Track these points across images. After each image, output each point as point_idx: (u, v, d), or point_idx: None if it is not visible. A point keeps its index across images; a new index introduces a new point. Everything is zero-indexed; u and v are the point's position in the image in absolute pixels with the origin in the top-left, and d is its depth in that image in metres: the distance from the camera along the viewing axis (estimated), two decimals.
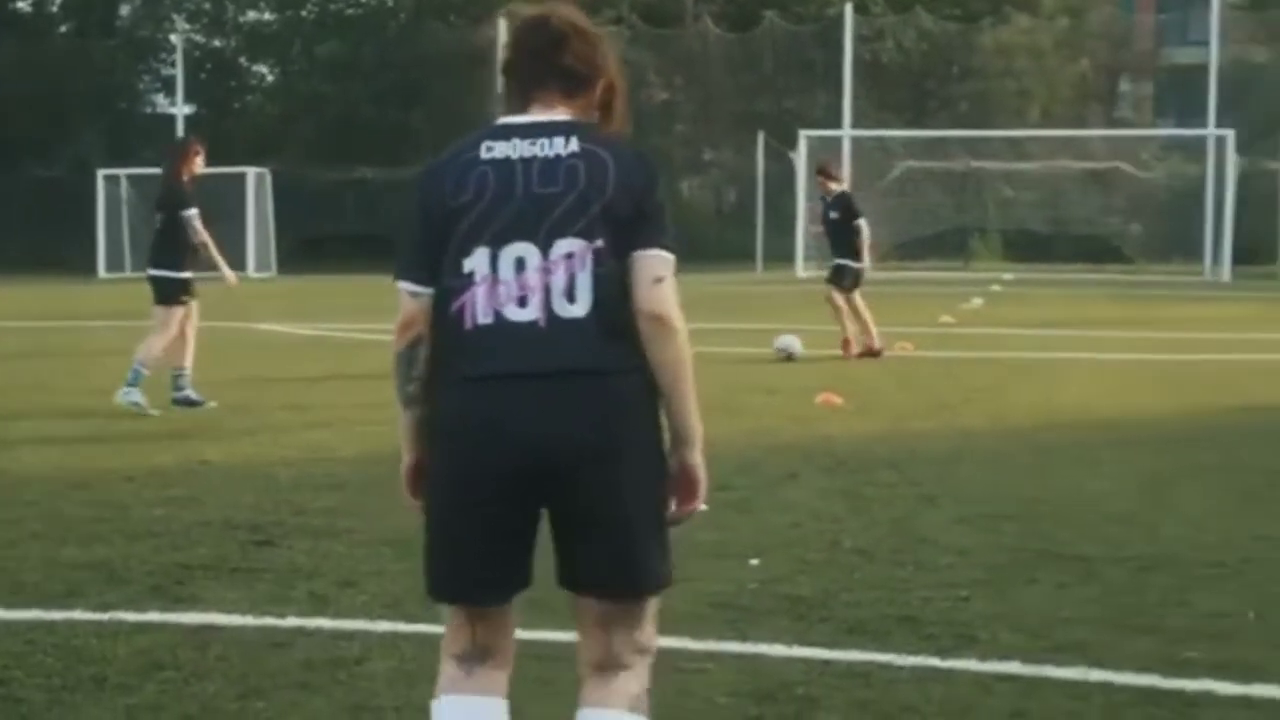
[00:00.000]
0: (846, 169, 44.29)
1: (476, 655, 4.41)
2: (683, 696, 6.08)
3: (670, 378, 4.25)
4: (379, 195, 54.76)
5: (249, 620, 7.27)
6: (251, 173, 53.07)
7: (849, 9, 54.21)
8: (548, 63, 4.44)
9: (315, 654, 6.67)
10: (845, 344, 21.02)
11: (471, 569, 4.33)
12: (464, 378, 4.23)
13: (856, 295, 21.24)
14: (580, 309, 4.17)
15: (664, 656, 6.47)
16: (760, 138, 54.50)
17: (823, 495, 10.60)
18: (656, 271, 4.22)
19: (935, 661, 6.60)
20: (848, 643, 6.88)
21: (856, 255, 21.38)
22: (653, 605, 4.43)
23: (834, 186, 22.15)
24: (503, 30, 53.20)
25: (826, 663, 6.58)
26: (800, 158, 47.40)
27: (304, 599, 7.67)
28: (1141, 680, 6.32)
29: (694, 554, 8.02)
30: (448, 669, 4.44)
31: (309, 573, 8.22)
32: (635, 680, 4.36)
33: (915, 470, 11.60)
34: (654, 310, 4.19)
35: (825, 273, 23.01)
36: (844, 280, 21.33)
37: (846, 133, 52.01)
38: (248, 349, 22.65)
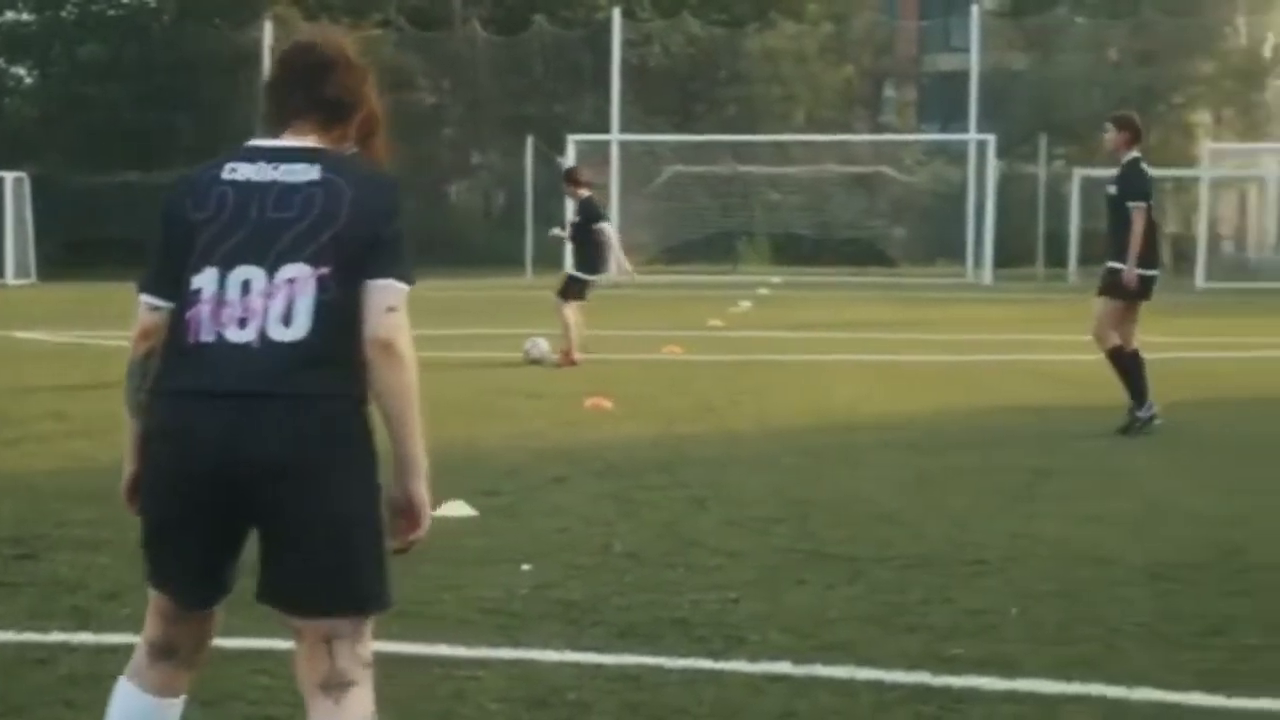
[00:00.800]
0: (614, 173, 44.49)
1: (162, 649, 4.48)
2: (455, 703, 6.06)
3: (396, 406, 4.26)
4: (143, 199, 53.54)
5: (10, 636, 7.10)
6: (9, 177, 51.85)
7: (617, 13, 54.42)
8: (310, 90, 4.45)
9: (79, 669, 6.54)
10: (566, 354, 20.47)
11: (171, 571, 4.40)
12: (178, 390, 4.26)
13: (572, 303, 20.85)
14: (295, 333, 4.18)
15: (435, 663, 6.47)
16: (529, 141, 54.46)
17: (593, 499, 10.61)
18: (388, 301, 4.23)
19: (706, 663, 6.64)
20: (619, 646, 6.90)
21: (589, 266, 21.19)
22: (372, 619, 4.41)
23: (581, 192, 21.95)
24: (268, 33, 52.63)
25: (598, 667, 6.59)
26: (568, 162, 47.46)
27: (67, 613, 7.52)
28: (910, 678, 6.41)
29: (463, 560, 7.99)
30: (138, 653, 4.53)
31: (72, 586, 8.07)
32: (367, 698, 4.34)
33: (685, 473, 11.67)
34: (382, 337, 4.20)
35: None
36: (571, 292, 20.95)
37: (615, 137, 52.21)
38: (7, 358, 22.18)
